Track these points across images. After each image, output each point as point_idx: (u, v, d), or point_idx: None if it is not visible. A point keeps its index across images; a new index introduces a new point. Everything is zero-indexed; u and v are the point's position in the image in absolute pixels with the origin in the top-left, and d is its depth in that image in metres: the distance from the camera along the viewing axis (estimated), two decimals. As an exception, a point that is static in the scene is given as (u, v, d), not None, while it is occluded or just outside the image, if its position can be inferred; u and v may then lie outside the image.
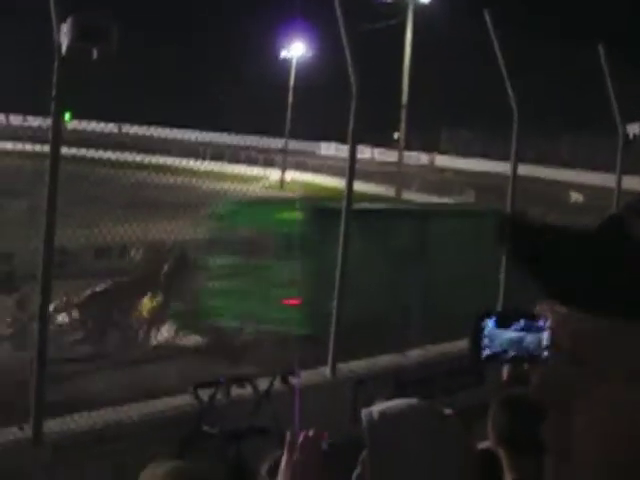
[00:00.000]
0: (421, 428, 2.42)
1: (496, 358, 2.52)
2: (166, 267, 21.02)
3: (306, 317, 14.52)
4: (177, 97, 69.85)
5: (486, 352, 2.52)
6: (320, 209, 15.85)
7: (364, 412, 2.47)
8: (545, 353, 2.44)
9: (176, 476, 2.00)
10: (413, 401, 2.48)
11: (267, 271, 16.98)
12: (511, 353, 2.49)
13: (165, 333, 19.54)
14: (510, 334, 2.59)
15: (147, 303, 20.23)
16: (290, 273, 15.17)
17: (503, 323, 2.60)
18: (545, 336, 2.47)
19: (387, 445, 2.40)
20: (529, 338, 2.51)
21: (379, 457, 2.41)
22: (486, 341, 2.56)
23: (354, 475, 2.57)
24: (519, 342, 2.53)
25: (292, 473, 2.49)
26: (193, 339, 19.73)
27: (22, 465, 8.03)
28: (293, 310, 15.30)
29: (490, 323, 2.57)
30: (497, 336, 2.60)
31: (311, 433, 2.56)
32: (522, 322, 2.54)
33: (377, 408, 2.43)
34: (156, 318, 19.79)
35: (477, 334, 2.54)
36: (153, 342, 19.33)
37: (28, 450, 8.10)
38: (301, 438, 2.53)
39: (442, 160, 71.61)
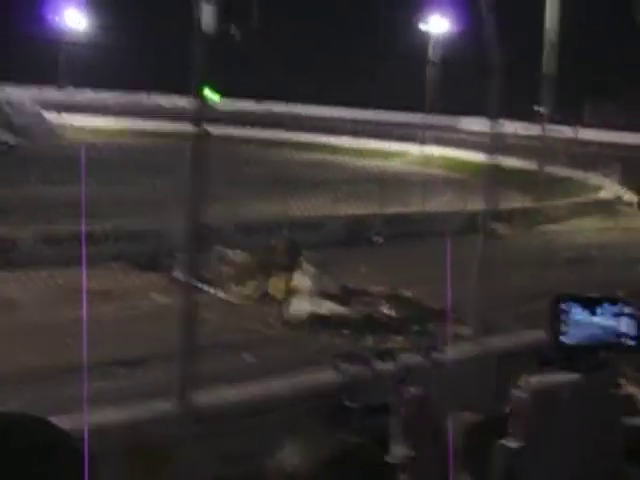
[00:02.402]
0: (577, 402, 2.40)
1: (582, 347, 2.45)
2: (281, 252, 21.41)
3: None
4: (317, 74, 70.07)
5: (571, 339, 2.46)
6: None
7: (523, 380, 2.48)
8: (630, 342, 2.37)
9: (332, 450, 2.04)
10: (570, 375, 2.47)
11: None
12: (599, 340, 2.41)
13: (298, 306, 19.80)
14: (599, 320, 2.50)
15: (275, 283, 20.53)
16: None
17: (588, 307, 2.51)
18: (625, 322, 2.40)
19: (544, 413, 2.39)
20: (622, 324, 2.44)
21: (535, 423, 2.40)
22: (571, 327, 2.49)
23: (500, 444, 2.56)
24: (609, 329, 2.45)
25: (401, 426, 2.61)
26: (325, 306, 19.96)
27: (171, 435, 8.22)
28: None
29: (577, 308, 2.50)
30: (584, 322, 2.52)
31: (416, 390, 2.65)
32: (608, 307, 2.47)
33: (536, 378, 2.44)
34: (287, 294, 20.08)
35: (555, 318, 2.47)
36: (288, 316, 19.60)
37: (176, 421, 8.28)
38: (409, 394, 2.63)
39: (586, 133, 70.13)
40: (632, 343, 2.35)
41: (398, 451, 2.62)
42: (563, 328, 2.44)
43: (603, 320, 2.44)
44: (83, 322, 15.53)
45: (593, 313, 2.46)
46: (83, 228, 22.33)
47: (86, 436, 1.83)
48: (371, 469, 1.98)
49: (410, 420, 2.62)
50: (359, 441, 2.07)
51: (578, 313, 2.45)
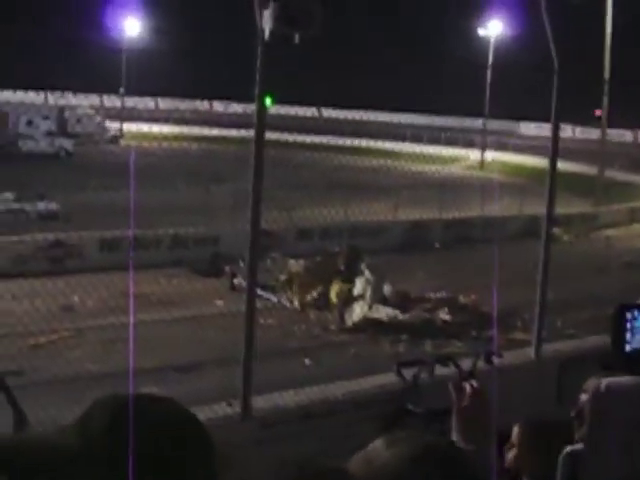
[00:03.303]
0: None
1: None
2: (341, 259, 21.45)
3: None
4: (377, 80, 70.04)
5: (634, 346, 2.45)
6: None
7: (590, 383, 2.48)
8: None
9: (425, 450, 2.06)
10: (636, 378, 2.46)
11: None
12: None
13: (358, 311, 19.84)
14: None
15: (335, 288, 20.56)
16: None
17: None
18: None
19: (610, 417, 2.39)
20: None
21: (600, 428, 2.40)
22: (638, 336, 2.48)
23: (566, 450, 2.57)
24: None
25: (460, 417, 2.62)
26: (384, 312, 19.95)
27: (230, 439, 8.28)
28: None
29: (639, 316, 2.49)
30: None
31: (475, 384, 2.66)
32: None
33: (604, 381, 2.44)
34: (347, 301, 20.09)
35: (620, 327, 2.47)
36: (349, 322, 19.63)
37: (237, 425, 8.34)
38: (468, 388, 2.64)
39: (647, 137, 69.48)
40: None
41: (458, 444, 2.62)
42: (627, 336, 2.44)
43: None
44: (131, 328, 15.72)
45: None
46: (132, 232, 22.57)
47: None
48: (451, 465, 1.99)
49: (470, 412, 2.62)
50: (437, 439, 2.09)
51: None
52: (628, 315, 2.50)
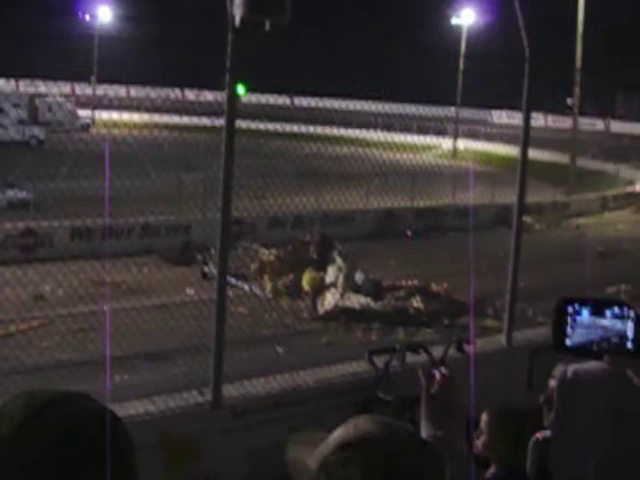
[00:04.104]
0: (612, 390, 2.40)
1: (584, 348, 2.46)
2: (313, 247, 21.45)
3: None
4: (348, 68, 69.99)
5: (574, 340, 2.46)
6: None
7: (558, 369, 2.49)
8: (629, 344, 2.38)
9: (381, 426, 2.06)
10: (605, 363, 2.46)
11: None
12: (601, 343, 2.42)
13: (330, 300, 19.83)
14: (605, 322, 2.50)
15: (307, 277, 20.55)
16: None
17: (597, 311, 2.51)
18: (630, 326, 2.41)
19: (577, 403, 2.40)
20: (618, 327, 2.44)
21: (567, 413, 2.40)
22: (578, 330, 2.49)
23: (535, 436, 2.57)
24: (613, 331, 2.46)
25: (429, 404, 2.63)
26: (356, 300, 19.97)
27: (202, 427, 8.27)
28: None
29: (584, 311, 2.49)
30: (592, 325, 2.52)
31: (444, 371, 2.67)
32: (615, 310, 2.47)
33: (571, 367, 2.44)
34: (319, 289, 20.09)
35: (561, 320, 2.48)
36: (321, 310, 19.63)
37: (208, 413, 8.33)
38: (437, 375, 2.64)
39: (618, 126, 69.76)
40: (630, 346, 2.35)
41: (426, 430, 2.62)
42: (568, 330, 2.45)
43: (610, 323, 2.44)
44: (106, 315, 15.65)
45: (602, 316, 2.46)
46: (107, 221, 22.47)
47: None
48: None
49: (439, 399, 2.62)
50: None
51: (585, 316, 2.45)
52: (569, 309, 2.50)
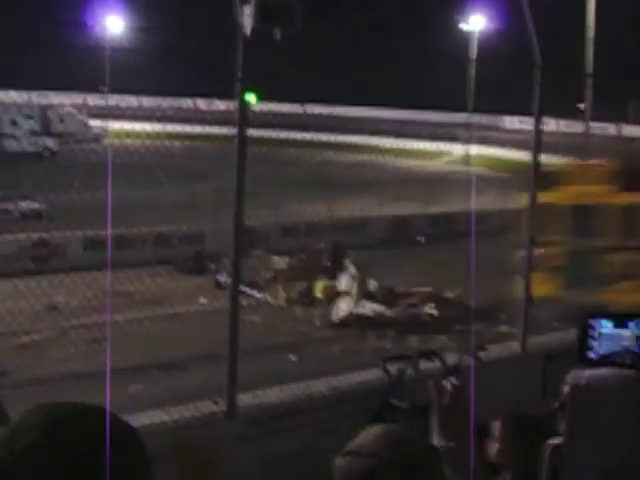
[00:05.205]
0: (625, 396, 2.40)
1: (607, 360, 2.46)
2: (326, 255, 21.45)
3: None
4: (360, 75, 69.95)
5: (597, 352, 2.47)
6: None
7: (571, 375, 2.48)
8: None
9: (390, 435, 2.07)
10: (620, 370, 2.46)
11: None
12: (624, 355, 2.43)
13: (344, 307, 19.80)
14: (628, 334, 2.50)
15: (320, 285, 20.54)
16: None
17: (620, 323, 2.52)
18: None
19: (591, 409, 2.39)
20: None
21: (581, 420, 2.39)
22: (602, 342, 2.50)
23: (548, 443, 2.56)
24: (635, 343, 2.47)
25: (441, 416, 2.62)
26: (370, 308, 19.94)
27: (216, 437, 8.27)
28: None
29: (607, 323, 2.50)
30: (615, 337, 2.52)
31: (454, 381, 2.66)
32: (638, 322, 2.47)
33: (586, 373, 2.44)
34: (332, 297, 20.07)
35: (584, 333, 2.49)
36: (334, 318, 19.60)
37: (222, 423, 8.32)
38: (448, 386, 2.64)
39: (630, 130, 69.56)
40: None
41: (438, 441, 2.61)
42: (591, 344, 2.46)
43: (633, 335, 2.45)
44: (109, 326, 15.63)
45: (625, 327, 2.47)
46: (109, 232, 22.45)
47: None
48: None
49: (450, 410, 2.62)
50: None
51: (608, 328, 2.46)
52: (593, 322, 2.50)
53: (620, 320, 2.51)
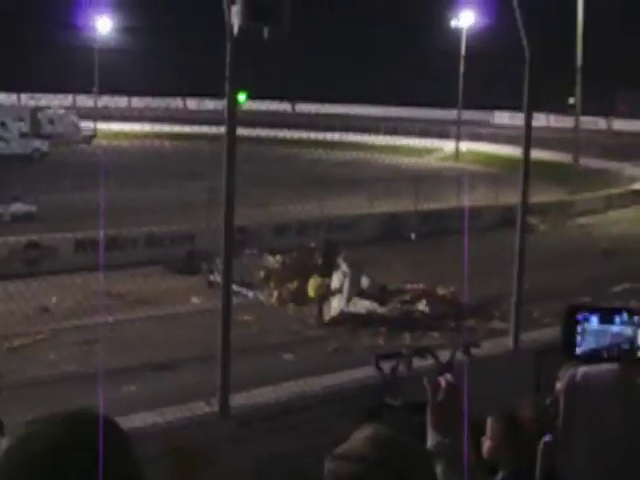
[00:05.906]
0: (621, 392, 2.38)
1: (594, 355, 2.44)
2: (318, 253, 21.41)
3: None
4: (348, 72, 69.94)
5: (584, 347, 2.45)
6: None
7: (565, 371, 2.46)
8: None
9: (379, 438, 2.07)
10: (613, 366, 2.44)
11: None
12: (611, 349, 2.41)
13: (336, 306, 19.77)
14: (615, 329, 2.49)
15: (313, 283, 20.49)
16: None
17: (606, 318, 2.50)
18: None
19: (586, 406, 2.37)
20: (628, 333, 2.43)
21: (576, 416, 2.38)
22: (588, 337, 2.48)
23: (544, 440, 2.55)
24: (622, 338, 2.45)
25: (435, 413, 2.61)
26: (362, 305, 19.92)
27: (210, 437, 8.25)
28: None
29: (593, 318, 2.48)
30: (601, 332, 2.50)
31: (449, 378, 2.65)
32: (625, 316, 2.45)
33: (581, 369, 2.42)
34: (324, 295, 20.03)
35: (570, 327, 2.46)
36: (327, 316, 19.58)
37: (215, 423, 8.30)
38: (443, 383, 2.63)
39: (619, 124, 69.72)
40: None
41: (433, 438, 2.60)
42: (578, 338, 2.44)
43: (620, 330, 2.43)
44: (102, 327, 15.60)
45: (611, 322, 2.44)
46: (101, 232, 22.43)
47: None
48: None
49: (445, 407, 2.61)
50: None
51: (594, 323, 2.44)
52: (579, 316, 2.48)
53: (606, 314, 2.49)
